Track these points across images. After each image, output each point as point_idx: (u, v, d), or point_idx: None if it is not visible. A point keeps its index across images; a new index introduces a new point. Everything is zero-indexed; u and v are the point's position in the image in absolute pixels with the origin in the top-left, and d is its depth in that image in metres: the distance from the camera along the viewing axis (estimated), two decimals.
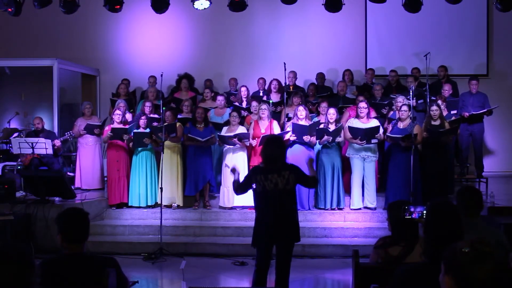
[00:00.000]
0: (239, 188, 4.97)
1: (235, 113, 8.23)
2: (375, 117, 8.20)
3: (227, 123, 8.42)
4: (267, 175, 4.71)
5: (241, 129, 8.11)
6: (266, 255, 4.82)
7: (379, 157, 8.21)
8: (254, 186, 4.80)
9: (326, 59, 11.09)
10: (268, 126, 8.04)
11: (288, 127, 8.02)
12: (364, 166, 7.95)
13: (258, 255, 4.85)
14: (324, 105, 8.42)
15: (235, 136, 7.90)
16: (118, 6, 8.47)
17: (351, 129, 7.78)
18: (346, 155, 8.11)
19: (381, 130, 7.89)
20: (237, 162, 8.08)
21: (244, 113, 8.88)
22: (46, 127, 9.38)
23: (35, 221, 7.30)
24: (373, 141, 7.78)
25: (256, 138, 7.95)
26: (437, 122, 7.87)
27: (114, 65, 11.59)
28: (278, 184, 4.69)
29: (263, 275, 4.82)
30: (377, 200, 8.03)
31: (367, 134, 7.71)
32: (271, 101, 8.64)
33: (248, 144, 8.03)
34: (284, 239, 4.79)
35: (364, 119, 7.91)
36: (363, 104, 7.95)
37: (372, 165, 7.96)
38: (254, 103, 8.73)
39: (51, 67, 10.31)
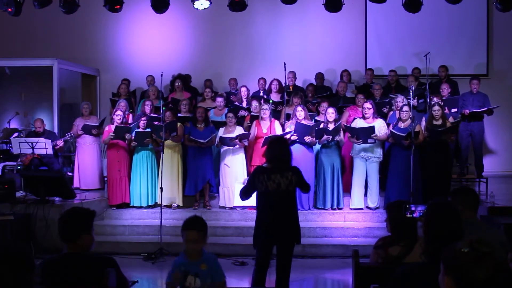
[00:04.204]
0: (244, 193, 4.90)
1: (231, 114, 8.18)
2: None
3: (225, 123, 8.41)
4: (270, 175, 4.70)
5: (239, 130, 8.10)
6: (266, 255, 4.82)
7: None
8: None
9: (326, 59, 11.10)
10: (269, 126, 8.04)
11: (288, 127, 8.01)
12: (366, 167, 7.95)
13: (258, 254, 4.85)
14: (324, 105, 8.42)
15: (237, 137, 7.89)
16: (118, 6, 8.48)
17: (348, 128, 7.78)
18: (350, 154, 8.11)
19: (383, 130, 7.87)
20: (236, 162, 8.08)
21: (244, 113, 8.86)
22: (46, 127, 9.36)
23: (35, 221, 7.30)
24: (370, 141, 7.77)
25: (259, 139, 7.94)
26: (439, 122, 7.86)
27: (114, 65, 11.59)
28: (281, 185, 4.69)
29: (263, 274, 4.82)
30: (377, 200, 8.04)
31: (362, 134, 7.70)
32: (271, 101, 8.64)
33: (246, 144, 8.02)
34: (284, 240, 4.79)
35: (369, 120, 7.88)
36: (367, 105, 7.89)
37: (374, 165, 7.94)
38: (254, 102, 8.72)
39: (51, 67, 10.32)
